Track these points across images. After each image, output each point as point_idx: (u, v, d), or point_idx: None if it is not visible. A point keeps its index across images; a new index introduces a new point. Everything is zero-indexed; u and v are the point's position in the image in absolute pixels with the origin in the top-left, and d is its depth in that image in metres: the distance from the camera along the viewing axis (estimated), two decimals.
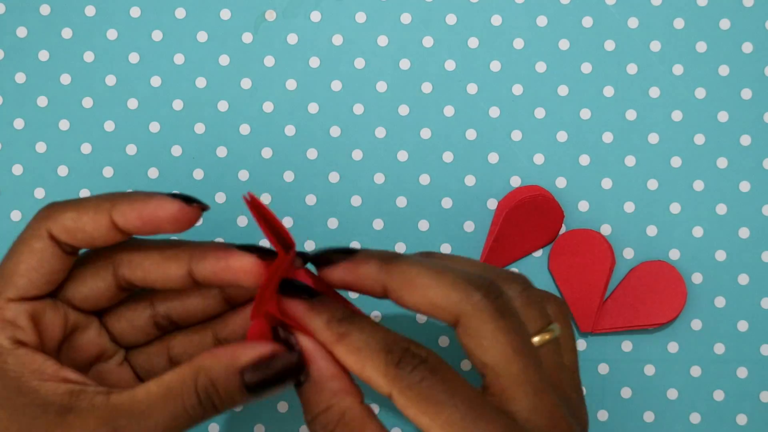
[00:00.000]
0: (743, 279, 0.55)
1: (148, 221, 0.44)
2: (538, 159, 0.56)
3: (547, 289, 0.55)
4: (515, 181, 0.56)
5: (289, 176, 0.56)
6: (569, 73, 0.56)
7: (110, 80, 0.56)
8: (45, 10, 0.56)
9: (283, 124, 0.56)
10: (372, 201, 0.56)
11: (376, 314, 0.56)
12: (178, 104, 0.56)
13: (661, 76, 0.56)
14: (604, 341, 0.55)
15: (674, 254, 0.55)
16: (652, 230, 0.56)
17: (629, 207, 0.56)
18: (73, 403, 0.43)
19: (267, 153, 0.56)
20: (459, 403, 0.41)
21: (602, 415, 0.55)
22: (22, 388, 0.43)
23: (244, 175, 0.56)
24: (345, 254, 0.44)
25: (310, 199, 0.56)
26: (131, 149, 0.56)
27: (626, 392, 0.55)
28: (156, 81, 0.56)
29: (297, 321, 0.43)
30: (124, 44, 0.56)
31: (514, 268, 0.56)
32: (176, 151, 0.56)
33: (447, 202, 0.56)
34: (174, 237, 0.53)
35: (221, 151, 0.56)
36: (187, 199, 0.44)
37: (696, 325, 0.55)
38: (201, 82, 0.56)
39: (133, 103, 0.56)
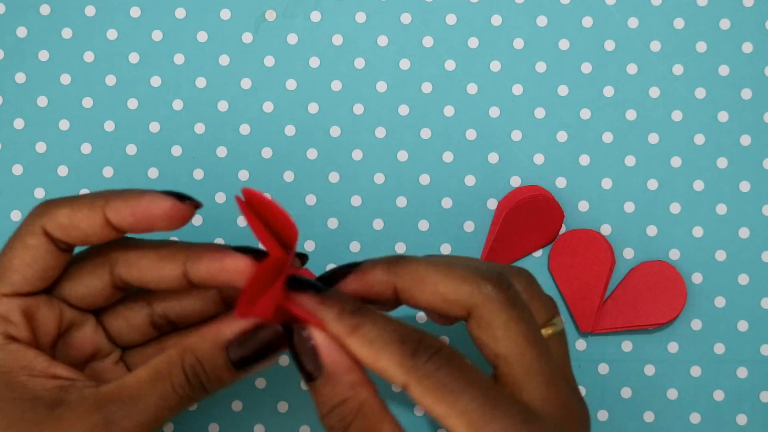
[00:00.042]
0: (743, 279, 0.55)
1: (142, 218, 0.44)
2: (538, 159, 0.56)
3: (547, 289, 0.55)
4: (515, 181, 0.56)
5: (289, 176, 0.56)
6: (569, 73, 0.56)
7: (110, 80, 0.56)
8: (45, 10, 0.56)
9: (283, 124, 0.56)
10: (372, 201, 0.56)
11: None
12: (178, 104, 0.56)
13: (661, 76, 0.56)
14: (604, 341, 0.55)
15: (674, 254, 0.55)
16: (652, 230, 0.55)
17: (629, 207, 0.56)
18: (62, 397, 0.43)
19: (267, 153, 0.56)
20: (475, 392, 0.41)
21: (602, 415, 0.55)
22: (11, 382, 0.43)
23: (244, 175, 0.56)
24: (351, 267, 0.45)
25: (310, 199, 0.56)
26: (131, 149, 0.56)
27: (626, 392, 0.55)
28: (156, 81, 0.56)
29: (308, 315, 0.43)
30: (124, 44, 0.56)
31: None
32: (176, 151, 0.56)
33: (447, 202, 0.56)
34: (174, 238, 0.53)
35: (221, 151, 0.56)
36: (180, 196, 0.44)
37: (696, 325, 0.55)
38: (201, 82, 0.56)
39: (133, 103, 0.56)
